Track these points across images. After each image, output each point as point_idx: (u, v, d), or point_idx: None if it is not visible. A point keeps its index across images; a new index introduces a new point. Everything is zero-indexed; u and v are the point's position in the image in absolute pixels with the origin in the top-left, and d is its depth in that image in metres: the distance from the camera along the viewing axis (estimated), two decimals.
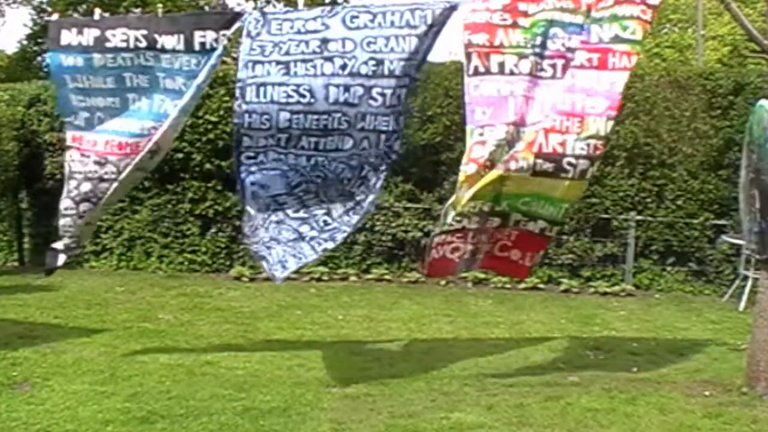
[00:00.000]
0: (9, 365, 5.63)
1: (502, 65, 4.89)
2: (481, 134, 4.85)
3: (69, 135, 5.77)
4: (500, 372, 5.88)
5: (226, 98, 9.25)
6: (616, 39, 4.80)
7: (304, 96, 5.04)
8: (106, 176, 5.62)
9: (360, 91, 4.98)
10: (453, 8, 5.02)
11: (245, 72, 5.16)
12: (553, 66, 4.91)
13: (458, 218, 5.00)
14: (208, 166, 9.83)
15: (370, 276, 9.67)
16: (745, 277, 8.63)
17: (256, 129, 5.20)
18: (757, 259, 6.87)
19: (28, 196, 10.44)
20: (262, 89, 5.12)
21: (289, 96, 5.06)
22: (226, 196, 9.78)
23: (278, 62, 5.10)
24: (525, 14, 4.95)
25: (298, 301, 8.40)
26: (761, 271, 5.66)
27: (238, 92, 5.20)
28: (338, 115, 5.05)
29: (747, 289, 8.44)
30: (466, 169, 4.85)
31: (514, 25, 4.92)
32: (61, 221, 5.81)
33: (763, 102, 5.48)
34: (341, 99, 5.01)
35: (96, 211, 5.83)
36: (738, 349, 6.48)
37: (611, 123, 4.83)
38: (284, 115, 5.09)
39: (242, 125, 5.20)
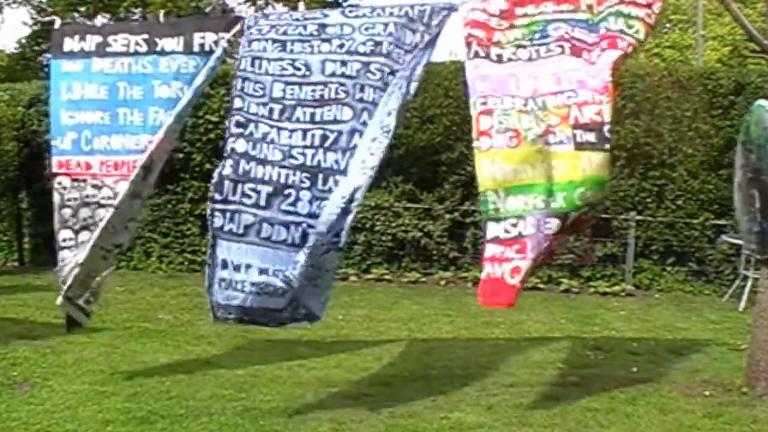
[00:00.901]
0: (9, 365, 5.64)
1: (500, 56, 4.83)
2: (484, 103, 4.67)
3: (54, 161, 5.44)
4: (500, 372, 5.88)
5: (227, 98, 9.22)
6: (623, 32, 4.79)
7: (299, 69, 4.92)
8: (103, 201, 5.33)
9: (358, 65, 4.86)
10: (453, 9, 5.02)
11: (241, 49, 5.10)
12: (561, 47, 4.80)
13: (513, 222, 4.60)
14: (208, 166, 9.82)
15: (370, 276, 9.67)
16: (745, 277, 8.63)
17: (249, 94, 4.97)
18: (757, 259, 6.87)
19: (28, 196, 10.44)
20: (257, 61, 5.01)
21: (284, 69, 4.95)
22: None
23: (275, 40, 5.03)
24: (523, 16, 4.95)
25: None
26: (761, 271, 5.66)
27: (234, 65, 5.11)
28: (335, 86, 4.86)
29: (747, 289, 8.43)
30: (479, 144, 4.62)
31: (511, 26, 4.91)
32: (60, 255, 5.41)
33: (762, 102, 5.48)
34: (338, 72, 4.87)
35: (92, 256, 5.22)
36: (738, 349, 6.48)
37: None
38: (278, 86, 4.93)
39: (235, 88, 5.01)
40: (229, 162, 4.85)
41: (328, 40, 4.95)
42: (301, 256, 4.64)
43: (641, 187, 9.54)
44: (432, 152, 9.67)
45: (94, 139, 5.38)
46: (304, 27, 5.05)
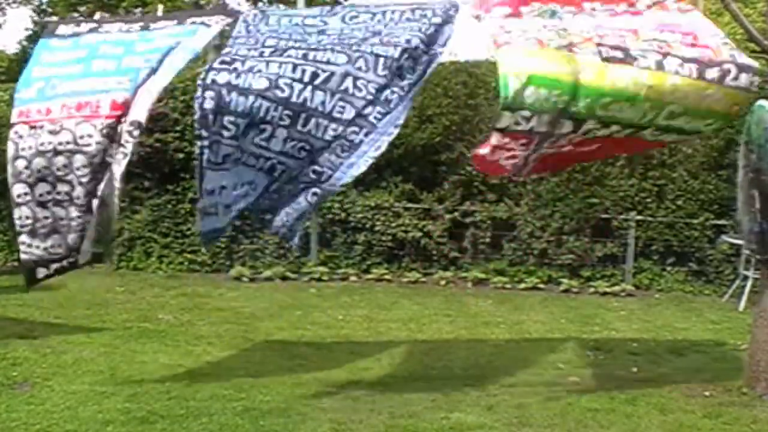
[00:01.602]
0: (9, 365, 5.63)
1: None
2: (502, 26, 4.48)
3: (15, 112, 4.96)
4: (500, 372, 5.88)
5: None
6: None
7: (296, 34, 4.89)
8: (60, 147, 4.76)
9: (357, 39, 4.80)
10: (455, 7, 4.98)
11: (233, 38, 4.95)
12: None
13: (527, 114, 4.25)
14: None
15: (370, 276, 9.66)
16: (745, 277, 8.63)
17: (240, 42, 4.81)
18: (757, 259, 6.87)
19: None
20: (252, 40, 4.88)
21: (280, 33, 4.88)
22: None
23: (271, 40, 4.90)
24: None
25: (298, 301, 8.40)
26: (761, 271, 5.66)
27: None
28: (331, 42, 4.78)
29: (747, 289, 8.44)
30: (499, 41, 4.36)
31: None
32: (17, 213, 4.92)
33: (762, 102, 5.49)
34: (336, 41, 4.79)
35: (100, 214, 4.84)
36: (738, 349, 6.48)
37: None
38: (273, 37, 4.81)
39: (227, 35, 4.87)
40: (209, 93, 4.55)
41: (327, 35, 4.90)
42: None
43: (641, 187, 9.53)
44: (432, 152, 9.67)
45: (61, 85, 4.94)
46: (303, 33, 4.97)
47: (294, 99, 4.55)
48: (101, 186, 4.78)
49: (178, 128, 9.69)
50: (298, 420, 4.72)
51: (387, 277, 9.60)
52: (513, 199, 9.65)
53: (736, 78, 4.52)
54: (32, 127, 4.91)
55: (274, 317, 7.60)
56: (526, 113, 4.28)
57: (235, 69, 4.58)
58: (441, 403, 5.11)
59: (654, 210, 9.54)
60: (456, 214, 9.68)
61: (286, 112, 4.59)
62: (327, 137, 4.69)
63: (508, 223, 9.66)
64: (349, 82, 4.60)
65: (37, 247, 4.97)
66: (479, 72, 9.59)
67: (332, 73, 4.60)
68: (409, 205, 9.75)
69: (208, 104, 4.56)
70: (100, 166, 4.75)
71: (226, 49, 4.79)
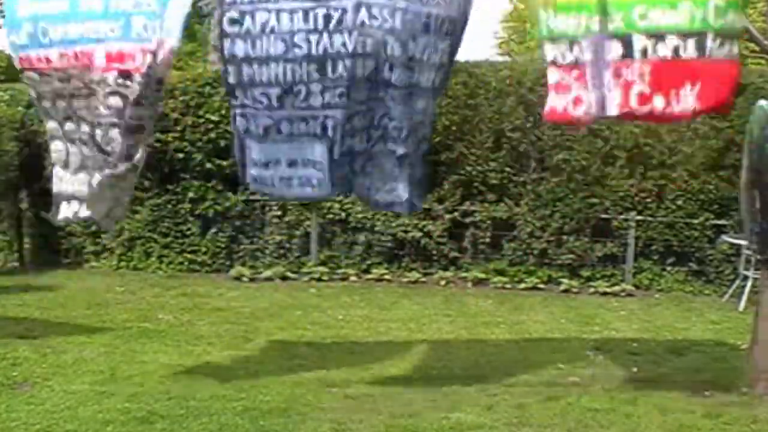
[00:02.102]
0: (9, 365, 5.64)
1: None
2: None
3: (15, 58, 5.02)
4: (500, 372, 5.88)
5: (227, 97, 9.24)
6: None
7: None
8: (76, 92, 4.81)
9: None
10: None
11: None
12: None
13: (566, 44, 4.14)
14: (208, 165, 9.82)
15: (370, 276, 9.66)
16: (745, 277, 8.63)
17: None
18: (757, 259, 6.87)
19: (28, 196, 10.44)
20: None
21: None
22: (226, 196, 9.78)
23: None
24: None
25: (298, 301, 8.40)
26: (761, 271, 5.67)
27: None
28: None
29: (747, 289, 8.43)
30: None
31: None
32: (52, 146, 5.05)
33: (762, 102, 5.49)
34: None
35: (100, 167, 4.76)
36: (738, 349, 6.48)
37: None
38: None
39: None
40: (231, 68, 4.58)
41: None
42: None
43: (641, 187, 9.53)
44: (431, 152, 9.65)
45: (50, 30, 4.87)
46: None
47: (314, 52, 4.46)
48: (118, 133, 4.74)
49: (178, 128, 9.69)
50: (298, 420, 4.73)
51: (387, 277, 9.59)
52: (513, 199, 9.65)
53: None
54: (41, 74, 4.95)
55: (274, 317, 7.60)
56: (565, 43, 4.25)
57: (248, 32, 4.49)
58: (441, 403, 5.11)
59: (654, 210, 9.53)
60: (456, 214, 9.68)
61: (312, 65, 4.49)
62: (359, 74, 4.52)
63: (508, 223, 9.66)
64: (363, 13, 4.42)
65: (68, 181, 4.98)
66: (479, 72, 9.59)
67: (344, 11, 4.41)
68: None
69: (232, 79, 4.61)
70: (112, 109, 4.74)
71: None
